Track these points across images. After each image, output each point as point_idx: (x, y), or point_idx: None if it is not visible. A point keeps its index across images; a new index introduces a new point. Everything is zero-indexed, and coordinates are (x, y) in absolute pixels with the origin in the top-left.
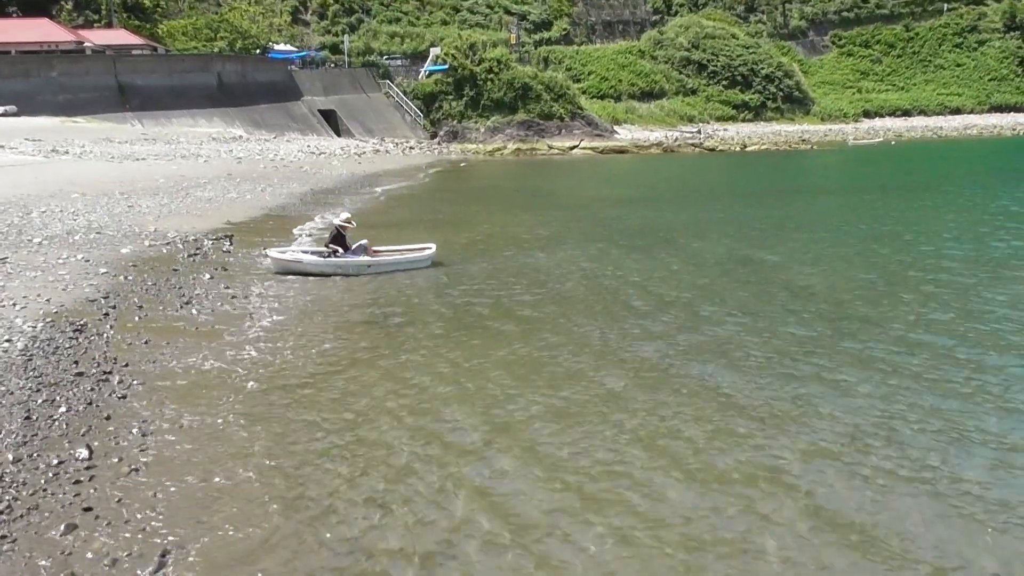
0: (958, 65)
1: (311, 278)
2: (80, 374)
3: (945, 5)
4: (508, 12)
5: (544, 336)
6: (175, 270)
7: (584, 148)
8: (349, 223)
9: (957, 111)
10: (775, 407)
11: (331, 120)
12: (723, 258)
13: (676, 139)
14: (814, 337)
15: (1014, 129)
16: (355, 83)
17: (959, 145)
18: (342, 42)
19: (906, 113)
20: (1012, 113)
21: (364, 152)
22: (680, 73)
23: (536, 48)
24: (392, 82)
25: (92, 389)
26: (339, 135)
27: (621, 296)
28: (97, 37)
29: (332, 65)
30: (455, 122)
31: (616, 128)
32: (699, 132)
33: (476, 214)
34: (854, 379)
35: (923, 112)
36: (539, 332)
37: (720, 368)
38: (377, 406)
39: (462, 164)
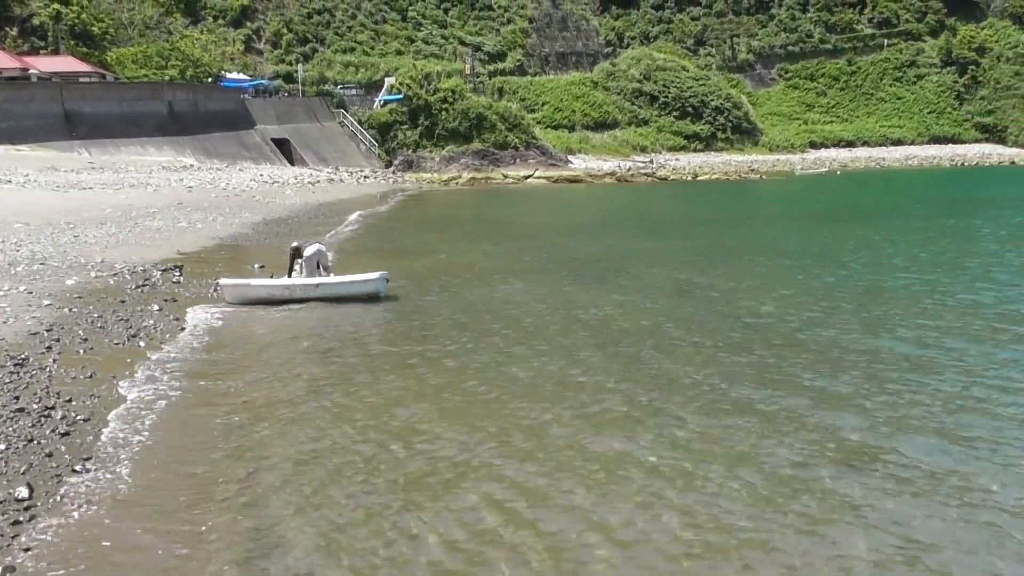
0: (898, 98)
1: (261, 309)
2: (20, 410)
3: (885, 41)
4: (463, 43)
5: (502, 370)
6: (122, 302)
7: (539, 177)
8: (299, 252)
9: (899, 142)
10: (722, 435)
11: (285, 149)
12: (676, 286)
13: (629, 169)
14: (763, 364)
15: (952, 160)
16: (309, 112)
17: (901, 175)
18: (296, 71)
19: (850, 144)
20: (950, 144)
21: (318, 181)
22: (632, 104)
23: (491, 79)
24: (347, 111)
25: (33, 425)
26: (293, 164)
27: (574, 326)
28: (44, 64)
29: (286, 94)
30: (410, 151)
31: (570, 158)
32: (651, 162)
33: (432, 242)
34: (800, 405)
35: (866, 143)
36: (494, 366)
37: (672, 397)
38: (322, 439)
39: (415, 193)
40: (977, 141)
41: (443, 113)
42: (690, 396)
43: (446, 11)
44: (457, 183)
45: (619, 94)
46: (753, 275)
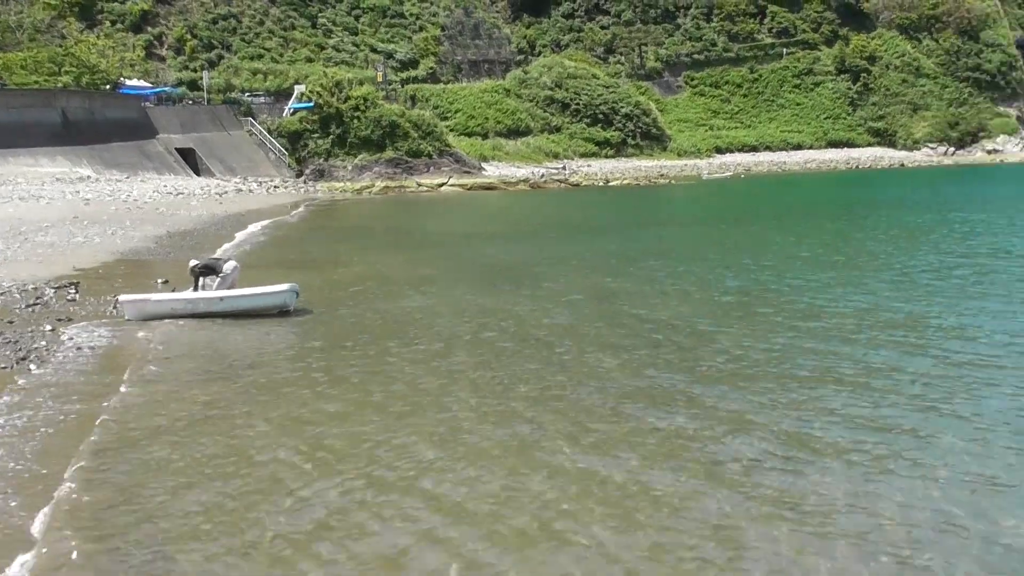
0: (797, 104)
1: (163, 325)
2: None
3: (784, 50)
4: (374, 50)
5: (415, 383)
6: (10, 322)
7: (453, 185)
8: (210, 270)
9: (798, 147)
10: (635, 433)
11: (190, 159)
12: (590, 292)
13: (542, 175)
14: (671, 365)
15: (847, 163)
16: (215, 120)
17: (801, 178)
18: (201, 78)
19: (754, 149)
20: (845, 148)
21: (226, 192)
22: (545, 111)
23: (403, 86)
24: (255, 119)
25: None
26: (199, 174)
27: (488, 335)
28: None
29: (190, 102)
30: (321, 160)
31: (484, 165)
32: (564, 168)
33: (344, 253)
34: (709, 403)
35: (769, 148)
36: (405, 378)
37: (582, 402)
38: (220, 461)
39: (327, 203)
40: (870, 145)
41: (355, 121)
42: (604, 408)
43: (357, 18)
44: (370, 192)
45: (531, 101)
46: (664, 279)
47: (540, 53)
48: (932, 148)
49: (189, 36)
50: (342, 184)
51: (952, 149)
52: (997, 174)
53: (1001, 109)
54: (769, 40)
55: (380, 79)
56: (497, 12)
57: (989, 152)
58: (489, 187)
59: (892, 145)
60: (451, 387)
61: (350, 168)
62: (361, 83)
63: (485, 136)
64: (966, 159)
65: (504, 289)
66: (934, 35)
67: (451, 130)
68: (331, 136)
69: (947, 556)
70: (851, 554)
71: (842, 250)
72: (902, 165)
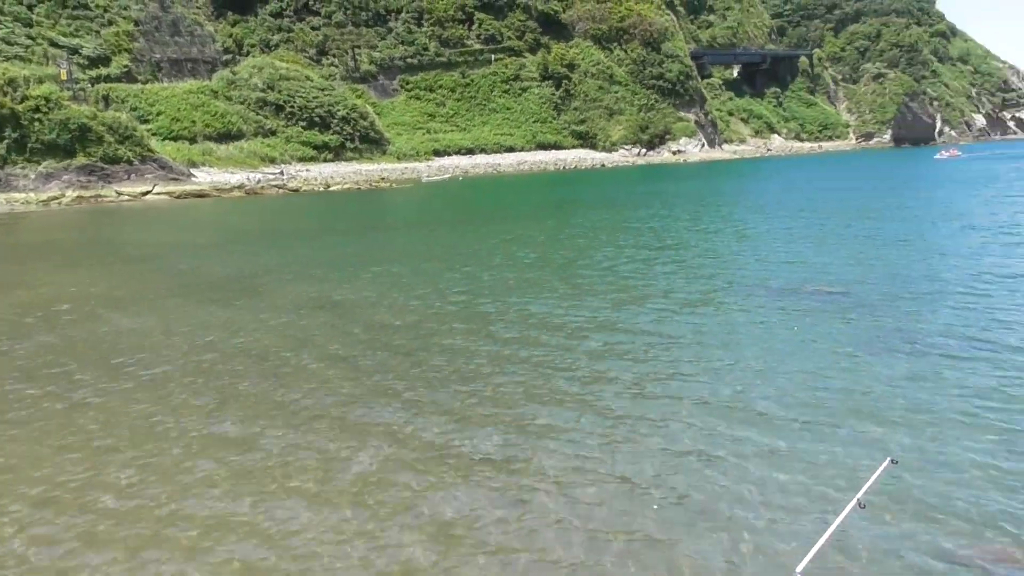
0: (508, 108)
1: None
2: None
3: (492, 56)
4: (55, 44)
5: (116, 415)
6: None
7: (159, 193)
8: None
9: (511, 149)
10: (361, 438)
11: None
12: (312, 300)
13: (259, 181)
14: (398, 372)
15: (556, 164)
16: None
17: (514, 179)
18: None
19: (470, 152)
20: (553, 151)
21: None
22: (257, 114)
23: (93, 85)
24: None
25: None
26: None
27: (206, 355)
28: None
29: None
30: None
31: (193, 171)
32: (282, 173)
33: (31, 274)
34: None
35: (484, 151)
36: (104, 414)
37: (302, 413)
38: None
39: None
40: (575, 147)
41: (36, 124)
42: (328, 416)
43: (31, 7)
44: (60, 203)
45: (242, 103)
46: (387, 283)
47: (249, 53)
48: (627, 149)
49: None
50: (24, 195)
51: (644, 150)
52: (681, 172)
53: (682, 114)
54: (478, 46)
55: (64, 77)
56: (198, 8)
57: (674, 153)
58: (201, 195)
59: (594, 147)
60: (157, 415)
61: (33, 177)
62: (41, 81)
63: (193, 140)
64: (656, 159)
65: (219, 303)
66: (623, 46)
67: (153, 134)
68: (6, 141)
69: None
70: (555, 540)
71: (556, 250)
72: (603, 165)
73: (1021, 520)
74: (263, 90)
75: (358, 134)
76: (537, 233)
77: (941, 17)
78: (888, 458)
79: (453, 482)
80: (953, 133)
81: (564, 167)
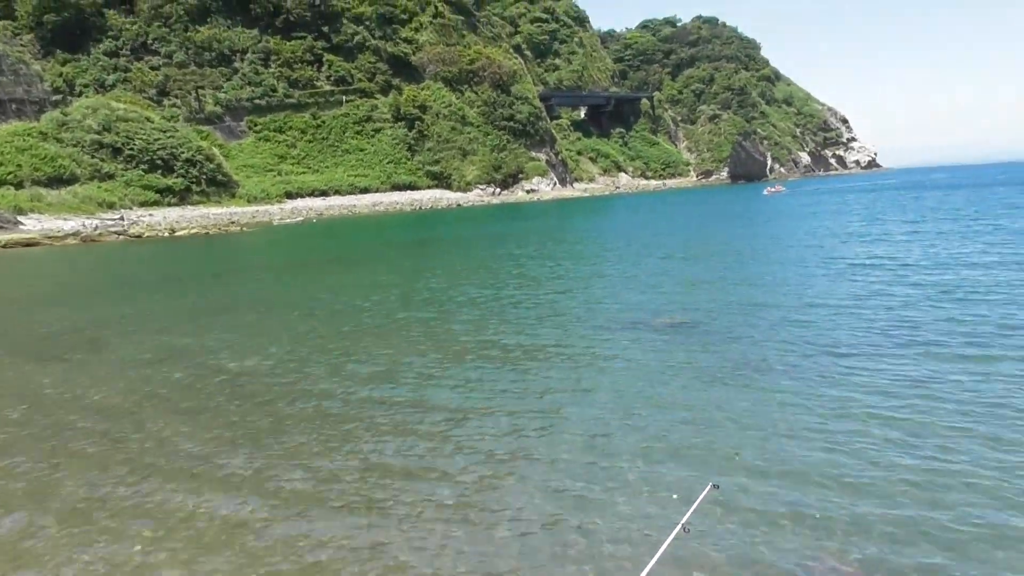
0: (361, 150)
1: None
2: None
3: (344, 97)
4: None
5: None
6: None
7: None
8: None
9: (366, 190)
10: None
11: None
12: (156, 353)
13: (96, 227)
14: (247, 424)
15: (411, 205)
16: None
17: (370, 221)
18: None
19: (324, 193)
20: (408, 191)
21: None
22: (93, 157)
23: None
24: None
25: None
26: None
27: (34, 419)
28: None
29: None
30: None
31: (21, 219)
32: (122, 219)
33: None
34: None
35: (338, 192)
36: None
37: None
38: None
39: None
40: (430, 187)
41: None
42: (177, 468)
43: None
44: None
45: (75, 146)
46: (238, 330)
47: (82, 93)
48: (482, 189)
49: None
50: None
51: (498, 190)
52: (535, 210)
53: (533, 154)
54: (329, 87)
55: None
56: (23, 46)
57: (528, 192)
58: (30, 243)
59: (449, 187)
60: None
61: None
62: None
63: (19, 185)
64: (510, 198)
65: (54, 359)
66: (474, 88)
67: None
68: None
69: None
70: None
71: (412, 291)
72: (459, 205)
73: (841, 538)
74: (98, 132)
75: (204, 177)
76: (392, 275)
77: (766, 63)
78: (710, 483)
79: (307, 531)
80: (782, 170)
81: (420, 207)
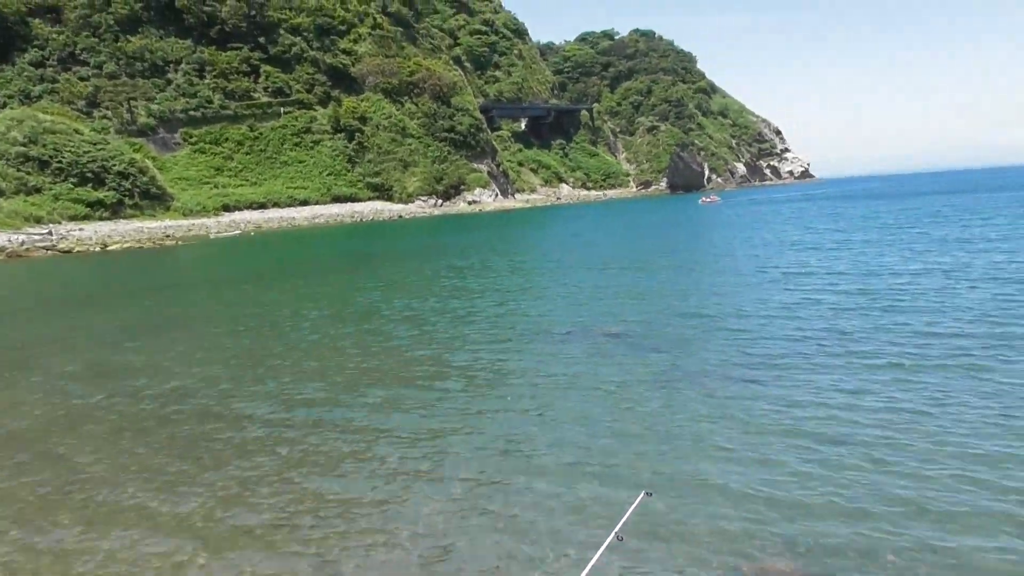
0: (300, 162)
1: None
2: None
3: (282, 109)
4: None
5: None
6: None
7: None
8: None
9: (305, 202)
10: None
11: None
12: (90, 371)
13: (23, 242)
14: (185, 446)
15: (352, 217)
16: None
17: (310, 233)
18: None
19: (262, 206)
20: (349, 203)
21: None
22: (19, 171)
23: None
24: None
25: None
26: None
27: None
28: None
29: None
30: None
31: None
32: (51, 233)
33: None
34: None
35: (277, 204)
36: None
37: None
38: None
39: None
40: (371, 199)
41: None
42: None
43: None
44: None
45: (1, 159)
46: (170, 348)
47: (6, 105)
48: (424, 200)
49: None
50: None
51: (440, 201)
52: (477, 222)
53: (475, 165)
54: (266, 99)
55: None
56: None
57: (470, 203)
58: None
59: (390, 199)
60: None
61: None
62: None
63: None
64: (452, 209)
65: None
66: (414, 99)
67: None
68: None
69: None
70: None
71: (348, 306)
72: (400, 217)
73: (768, 543)
74: (24, 144)
75: (138, 190)
76: (329, 288)
77: (702, 75)
78: (643, 491)
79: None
80: (719, 180)
81: (361, 219)
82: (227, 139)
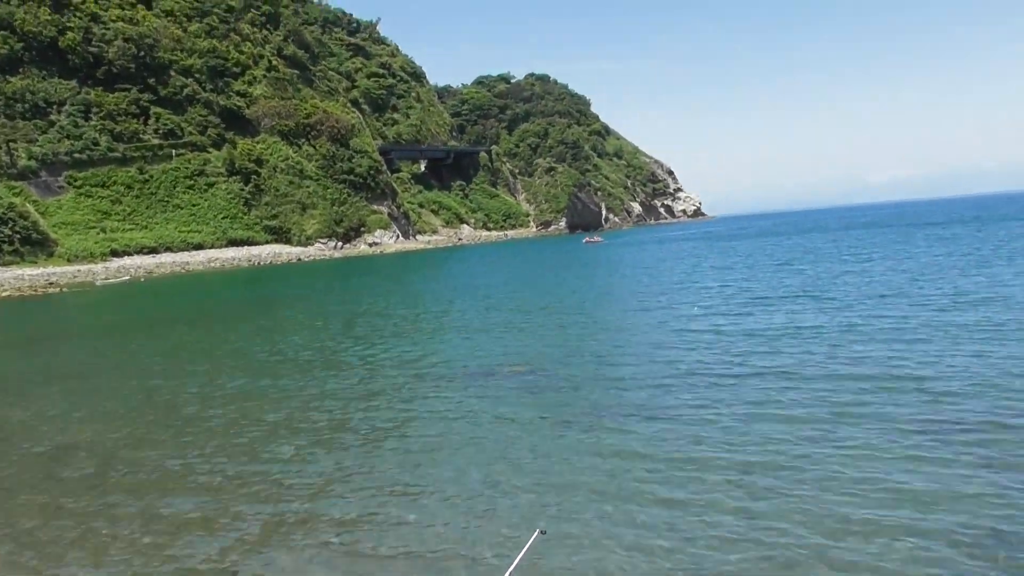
0: (194, 205)
1: None
2: None
3: (173, 151)
4: None
5: None
6: None
7: None
8: None
9: (199, 246)
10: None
11: None
12: None
13: None
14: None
15: (250, 260)
16: None
17: (205, 278)
18: None
19: (154, 250)
20: (246, 247)
21: None
22: None
23: None
24: None
25: None
26: None
27: None
28: None
29: None
30: None
31: None
32: None
33: None
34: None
35: (169, 249)
36: None
37: None
38: None
39: None
40: (269, 242)
41: None
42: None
43: None
44: None
45: None
46: (52, 401)
47: None
48: (324, 243)
49: None
50: None
51: (340, 243)
52: (377, 264)
53: (375, 207)
54: (156, 141)
55: None
56: None
57: (371, 245)
58: None
59: (288, 242)
60: None
61: None
62: None
63: None
64: (353, 252)
65: None
66: (312, 142)
67: None
68: None
69: None
70: None
71: (251, 351)
72: (299, 260)
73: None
74: None
75: (17, 236)
76: (229, 334)
77: (597, 118)
78: (538, 529)
79: None
80: (616, 219)
81: (259, 263)
82: (115, 182)
